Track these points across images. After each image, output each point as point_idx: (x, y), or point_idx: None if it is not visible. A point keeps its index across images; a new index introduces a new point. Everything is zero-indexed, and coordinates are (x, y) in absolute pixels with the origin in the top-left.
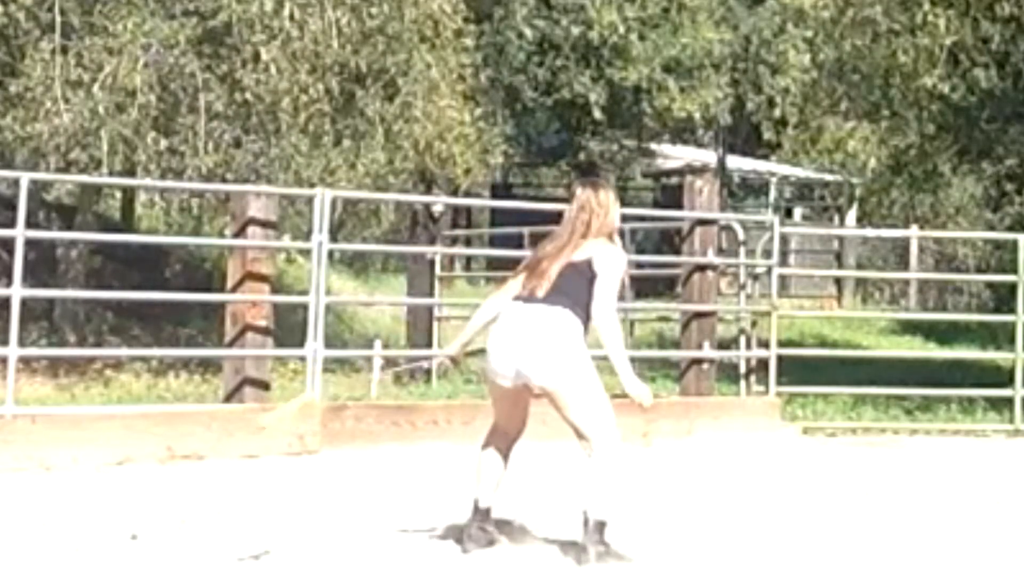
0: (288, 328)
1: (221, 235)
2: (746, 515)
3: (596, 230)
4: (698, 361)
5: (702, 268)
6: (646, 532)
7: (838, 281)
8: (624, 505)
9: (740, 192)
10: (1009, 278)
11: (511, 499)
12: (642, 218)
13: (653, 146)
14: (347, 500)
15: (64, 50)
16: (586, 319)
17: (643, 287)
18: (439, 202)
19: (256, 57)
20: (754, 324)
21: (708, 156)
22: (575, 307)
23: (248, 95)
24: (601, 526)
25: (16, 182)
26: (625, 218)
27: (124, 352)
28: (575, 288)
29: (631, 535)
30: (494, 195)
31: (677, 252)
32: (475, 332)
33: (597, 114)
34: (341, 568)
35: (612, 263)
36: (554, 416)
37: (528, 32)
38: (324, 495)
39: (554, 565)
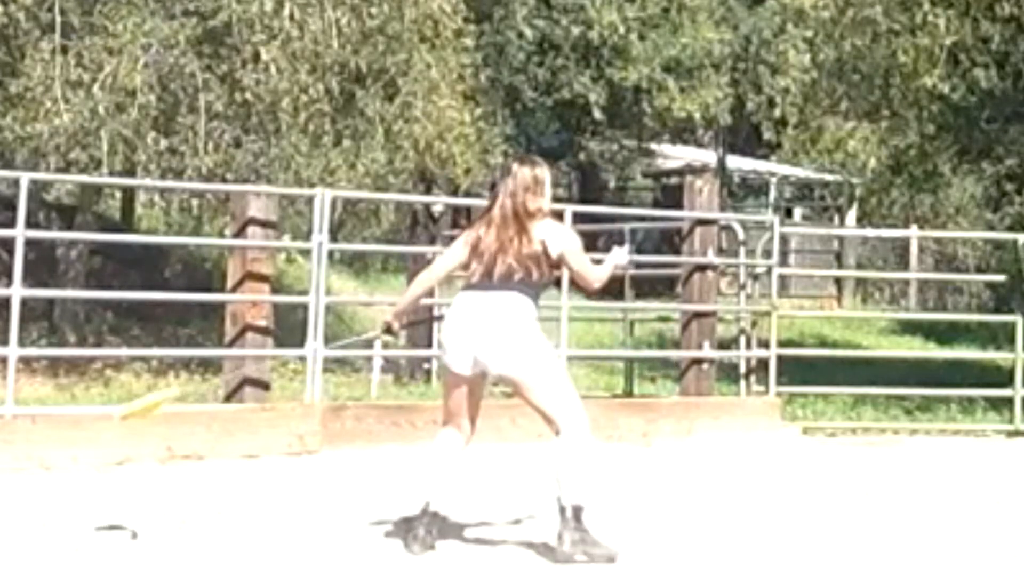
0: (288, 328)
1: (221, 235)
2: (745, 515)
3: (536, 208)
4: (698, 361)
5: (702, 268)
6: (644, 531)
7: (838, 281)
8: (624, 503)
9: (740, 192)
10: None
11: (486, 496)
12: (642, 218)
13: (653, 146)
14: (345, 500)
15: (64, 50)
16: (538, 300)
17: (643, 287)
18: (439, 202)
19: (256, 57)
20: (754, 324)
21: (708, 156)
22: (529, 291)
23: (248, 95)
24: (577, 512)
25: (16, 182)
26: (625, 218)
27: (124, 352)
28: (529, 272)
29: (630, 534)
30: None
31: (677, 252)
32: (412, 302)
33: (597, 114)
34: (316, 563)
35: (571, 243)
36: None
37: (528, 32)
38: (322, 495)
39: (530, 558)
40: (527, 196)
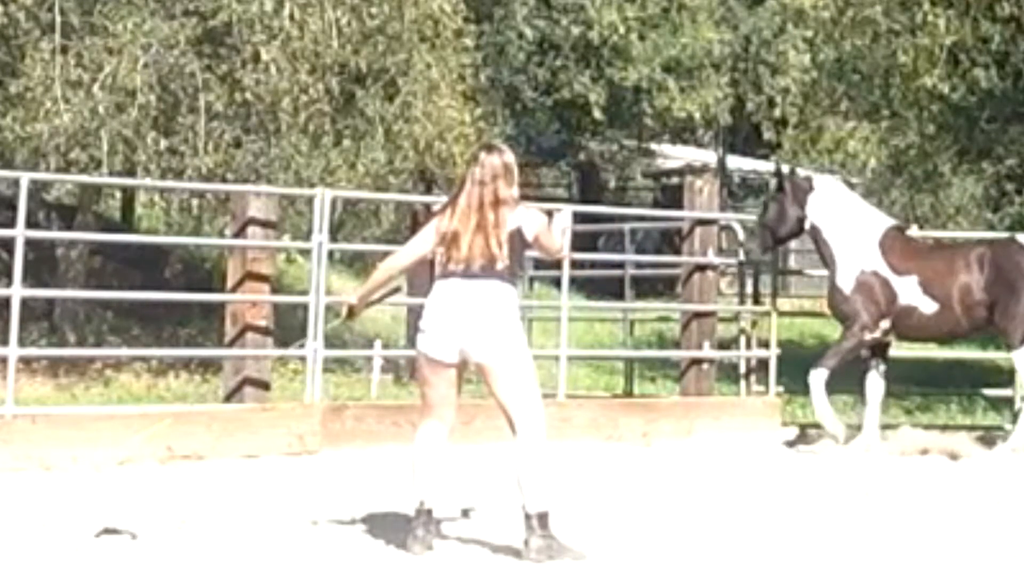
0: (288, 328)
1: (221, 235)
2: (744, 516)
3: (508, 196)
4: (698, 361)
5: (702, 268)
6: (643, 531)
7: None
8: (624, 503)
9: (740, 192)
10: None
11: (485, 496)
12: (642, 218)
13: (653, 146)
14: (345, 500)
15: (64, 50)
16: (517, 287)
17: (643, 287)
18: (439, 202)
19: (256, 57)
20: (754, 324)
21: (708, 156)
22: (509, 278)
23: (248, 95)
24: (543, 518)
25: (16, 182)
26: (625, 218)
27: (124, 352)
28: (506, 259)
29: (629, 534)
30: None
31: (677, 252)
32: (375, 287)
33: (597, 114)
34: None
35: (542, 223)
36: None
37: (528, 32)
38: (322, 495)
39: (498, 562)
40: (498, 184)
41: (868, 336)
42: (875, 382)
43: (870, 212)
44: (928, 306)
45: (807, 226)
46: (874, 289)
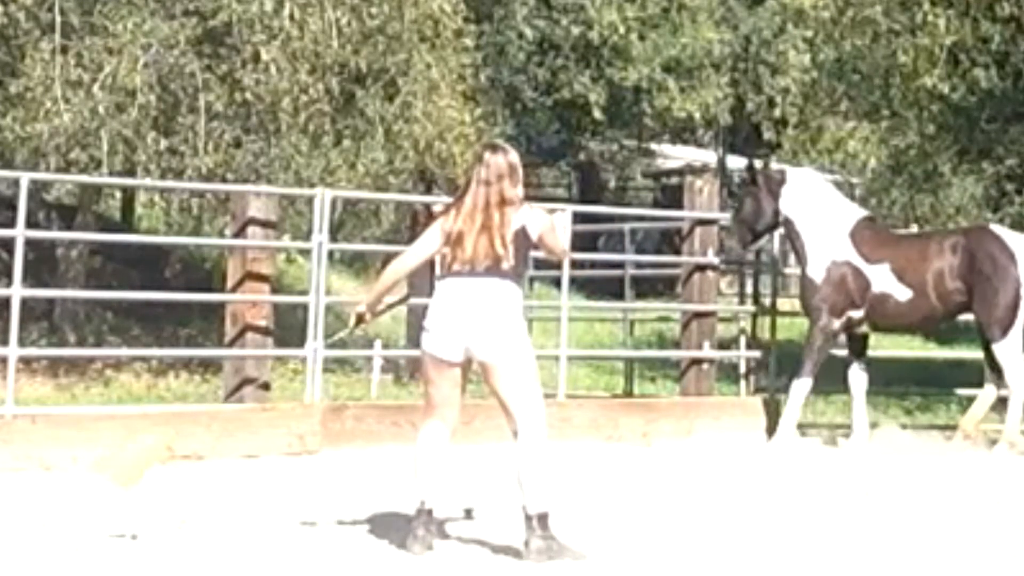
0: (288, 328)
1: (221, 235)
2: (743, 516)
3: (513, 195)
4: (698, 361)
5: (702, 268)
6: (642, 532)
7: None
8: (624, 503)
9: (740, 192)
10: None
11: (485, 496)
12: (642, 218)
13: (653, 146)
14: (345, 500)
15: (64, 50)
16: (522, 286)
17: (643, 287)
18: (439, 202)
19: (256, 57)
20: (754, 324)
21: (708, 156)
22: (514, 278)
23: (248, 95)
24: (543, 518)
25: (16, 182)
26: (625, 218)
27: (124, 352)
28: (511, 258)
29: (628, 535)
30: None
31: (677, 252)
32: (383, 292)
33: (597, 114)
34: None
35: (546, 222)
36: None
37: (528, 32)
38: (322, 495)
39: (498, 562)
40: (504, 184)
41: (836, 324)
42: (857, 378)
43: (841, 203)
44: (902, 293)
45: (781, 219)
46: (845, 278)
